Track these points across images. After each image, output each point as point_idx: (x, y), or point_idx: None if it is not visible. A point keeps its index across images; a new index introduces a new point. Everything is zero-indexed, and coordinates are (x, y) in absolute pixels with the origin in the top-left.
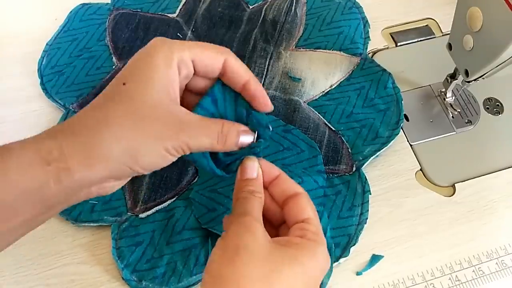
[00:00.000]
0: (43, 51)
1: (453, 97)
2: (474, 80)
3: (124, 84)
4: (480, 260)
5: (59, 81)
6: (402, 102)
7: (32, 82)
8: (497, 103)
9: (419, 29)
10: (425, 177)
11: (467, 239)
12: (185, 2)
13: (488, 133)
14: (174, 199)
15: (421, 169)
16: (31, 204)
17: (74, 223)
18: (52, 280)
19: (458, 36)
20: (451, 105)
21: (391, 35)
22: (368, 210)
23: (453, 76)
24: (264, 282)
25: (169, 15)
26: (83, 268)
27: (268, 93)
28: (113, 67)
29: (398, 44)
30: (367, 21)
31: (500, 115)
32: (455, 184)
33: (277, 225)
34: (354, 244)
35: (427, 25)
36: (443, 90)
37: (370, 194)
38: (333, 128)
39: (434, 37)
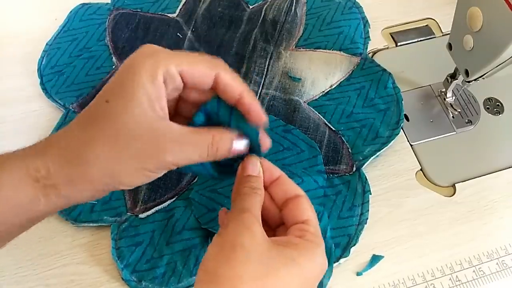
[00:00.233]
0: (43, 51)
1: (453, 97)
2: (474, 80)
3: (107, 101)
4: (481, 260)
5: (59, 81)
6: (402, 102)
7: (32, 82)
8: (497, 103)
9: (419, 29)
10: (425, 177)
11: (467, 239)
12: (185, 2)
13: (488, 133)
14: (174, 199)
15: (421, 169)
16: (21, 216)
17: (74, 223)
18: (52, 280)
19: (458, 36)
20: (451, 105)
21: (391, 35)
22: (368, 210)
23: (453, 76)
24: (260, 282)
25: (169, 15)
26: (83, 268)
27: (268, 93)
28: (113, 67)
29: (398, 44)
30: (367, 21)
31: (500, 115)
32: (456, 184)
33: (274, 227)
34: (354, 244)
35: (427, 25)
36: (443, 90)
37: (370, 194)
38: (333, 128)
39: (434, 37)
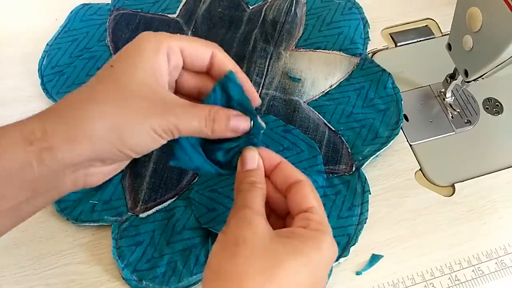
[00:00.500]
0: (44, 51)
1: (453, 97)
2: (474, 80)
3: (111, 66)
4: (480, 260)
5: (60, 81)
6: (402, 102)
7: (32, 82)
8: (496, 103)
9: (419, 30)
10: (424, 177)
11: (466, 239)
12: (185, 3)
13: (488, 133)
14: (174, 199)
15: (420, 169)
16: (15, 186)
17: (75, 223)
18: (52, 280)
19: (458, 36)
20: (451, 105)
21: (390, 36)
22: (367, 210)
23: (452, 76)
24: (266, 275)
25: (169, 15)
26: (83, 268)
27: (268, 93)
28: None
29: (398, 44)
30: (366, 21)
31: (499, 115)
32: (455, 184)
33: (283, 215)
34: (354, 244)
35: (426, 26)
36: (443, 90)
37: (370, 194)
38: (333, 128)
39: (434, 37)
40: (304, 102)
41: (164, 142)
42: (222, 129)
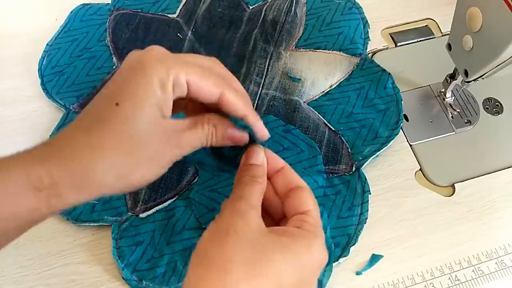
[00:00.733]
0: (44, 51)
1: (453, 97)
2: (474, 80)
3: (116, 104)
4: (480, 260)
5: (60, 81)
6: (402, 102)
7: (32, 82)
8: (496, 103)
9: (419, 30)
10: (424, 177)
11: (466, 239)
12: (185, 3)
13: (488, 133)
14: (174, 199)
15: (420, 169)
16: (19, 223)
17: (75, 223)
18: (52, 280)
19: (458, 36)
20: (451, 105)
21: (390, 36)
22: (367, 210)
23: (452, 76)
24: (251, 266)
25: (169, 15)
26: (84, 268)
27: (268, 93)
28: (114, 67)
29: (398, 44)
30: (366, 21)
31: (499, 115)
32: (455, 184)
33: (277, 219)
34: (354, 244)
35: (426, 26)
36: (443, 90)
37: (370, 194)
38: (333, 128)
39: (434, 38)
40: (304, 102)
41: (166, 170)
42: (220, 141)
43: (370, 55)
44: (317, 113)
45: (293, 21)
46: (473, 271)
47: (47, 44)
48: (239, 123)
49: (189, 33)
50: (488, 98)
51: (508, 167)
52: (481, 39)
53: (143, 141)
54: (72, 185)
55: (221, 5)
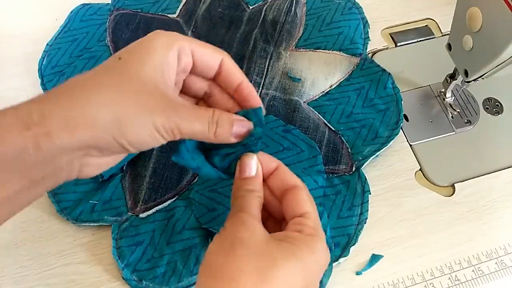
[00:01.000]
0: (44, 51)
1: (453, 97)
2: (474, 80)
3: (119, 58)
4: (480, 260)
5: (60, 81)
6: (402, 102)
7: (32, 82)
8: (496, 103)
9: (419, 30)
10: (424, 177)
11: (466, 239)
12: (185, 3)
13: (488, 133)
14: (174, 199)
15: (420, 169)
16: (11, 173)
17: (75, 223)
18: (52, 280)
19: (458, 36)
20: (451, 105)
21: (390, 36)
22: (367, 210)
23: (452, 76)
24: (259, 275)
25: (169, 15)
26: (84, 268)
27: (268, 93)
28: None
29: (398, 44)
30: (366, 21)
31: (499, 115)
32: (455, 184)
33: (280, 219)
34: (354, 244)
35: (426, 26)
36: (443, 90)
37: (370, 194)
38: (333, 128)
39: (434, 38)
40: (304, 102)
41: (164, 142)
42: (226, 134)
43: (370, 55)
44: (317, 113)
45: (293, 21)
46: (473, 271)
47: (47, 44)
48: (249, 112)
49: (189, 33)
50: (488, 98)
51: (508, 167)
52: (481, 39)
53: (140, 89)
54: (62, 121)
55: (221, 5)
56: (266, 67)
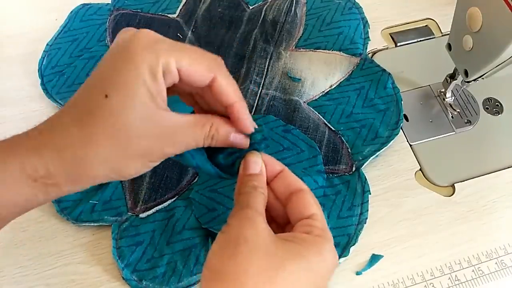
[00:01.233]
0: (44, 51)
1: (453, 97)
2: (474, 80)
3: (106, 96)
4: (480, 260)
5: (60, 81)
6: (402, 102)
7: (32, 82)
8: (496, 103)
9: (419, 30)
10: (424, 177)
11: (466, 239)
12: (185, 3)
13: (488, 133)
14: (174, 199)
15: (420, 169)
16: (16, 211)
17: (75, 223)
18: (52, 280)
19: (458, 36)
20: (451, 105)
21: (390, 36)
22: (367, 210)
23: (452, 76)
24: (266, 276)
25: (169, 15)
26: (83, 268)
27: (268, 93)
28: None
29: (398, 44)
30: (366, 21)
31: (499, 115)
32: (455, 184)
33: (283, 224)
34: (354, 244)
35: (426, 26)
36: (443, 90)
37: (370, 194)
38: (333, 128)
39: (434, 38)
40: (304, 102)
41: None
42: (220, 144)
43: (370, 55)
44: (317, 113)
45: (293, 21)
46: (473, 271)
47: (47, 44)
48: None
49: (189, 33)
50: (488, 98)
51: (508, 167)
52: (481, 39)
53: (135, 136)
54: (66, 177)
55: (221, 5)
56: (266, 67)
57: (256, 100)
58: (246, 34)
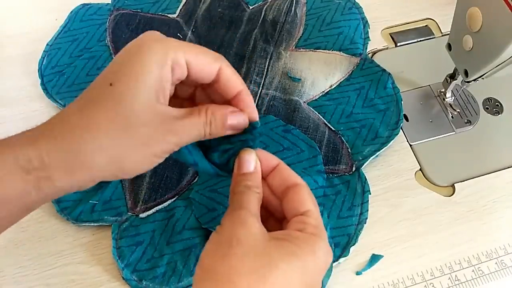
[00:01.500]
0: (44, 51)
1: (453, 97)
2: (474, 80)
3: (110, 84)
4: (480, 260)
5: (60, 81)
6: (402, 102)
7: (32, 82)
8: (496, 103)
9: (419, 30)
10: (424, 177)
11: (466, 239)
12: (185, 3)
13: (488, 133)
14: (174, 199)
15: (420, 169)
16: (10, 208)
17: (75, 223)
18: (52, 280)
19: (458, 36)
20: (451, 105)
21: (390, 36)
22: (367, 210)
23: (452, 76)
24: (258, 276)
25: (169, 15)
26: (83, 268)
27: (268, 93)
28: None
29: (398, 44)
30: (366, 21)
31: (499, 115)
32: (455, 184)
33: (281, 218)
34: (354, 244)
35: (426, 26)
36: (443, 90)
37: (370, 194)
38: (333, 128)
39: (434, 38)
40: (304, 102)
41: (161, 161)
42: (219, 130)
43: (370, 55)
44: (317, 113)
45: (293, 21)
46: (473, 271)
47: (47, 44)
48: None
49: (189, 33)
50: (488, 98)
51: (508, 167)
52: (481, 39)
53: (136, 123)
54: (62, 167)
55: (221, 5)
56: (266, 67)
57: (256, 100)
58: (246, 34)
